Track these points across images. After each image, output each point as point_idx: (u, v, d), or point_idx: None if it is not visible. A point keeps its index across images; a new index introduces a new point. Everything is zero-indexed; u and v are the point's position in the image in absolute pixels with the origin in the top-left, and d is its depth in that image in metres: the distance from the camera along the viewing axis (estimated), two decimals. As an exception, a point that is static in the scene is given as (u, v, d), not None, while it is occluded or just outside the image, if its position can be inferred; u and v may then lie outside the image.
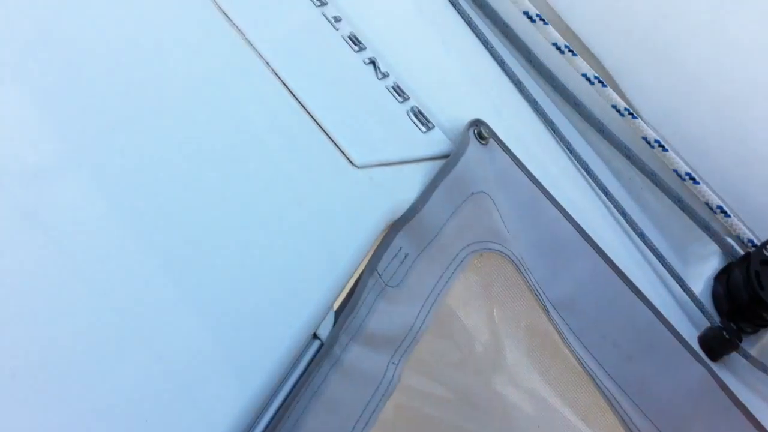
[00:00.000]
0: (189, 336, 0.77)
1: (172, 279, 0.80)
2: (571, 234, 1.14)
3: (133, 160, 0.85)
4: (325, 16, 1.10)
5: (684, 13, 1.38)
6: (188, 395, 0.74)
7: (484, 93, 1.29)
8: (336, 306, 0.88)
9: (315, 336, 0.84)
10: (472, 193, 1.05)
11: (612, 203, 1.31)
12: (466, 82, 1.27)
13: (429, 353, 0.94)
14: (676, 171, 1.34)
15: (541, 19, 1.34)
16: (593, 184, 1.31)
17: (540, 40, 1.38)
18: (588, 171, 1.32)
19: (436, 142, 1.09)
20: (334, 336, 0.84)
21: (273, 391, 0.78)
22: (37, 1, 0.89)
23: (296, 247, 0.88)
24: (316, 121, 0.98)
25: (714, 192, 1.35)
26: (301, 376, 0.81)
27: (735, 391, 1.15)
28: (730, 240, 1.36)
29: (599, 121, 1.37)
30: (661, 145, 1.33)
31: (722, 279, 1.34)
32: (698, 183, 1.34)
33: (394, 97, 1.09)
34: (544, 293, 1.07)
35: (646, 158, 1.36)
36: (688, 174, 1.33)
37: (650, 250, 1.29)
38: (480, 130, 1.12)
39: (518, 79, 1.34)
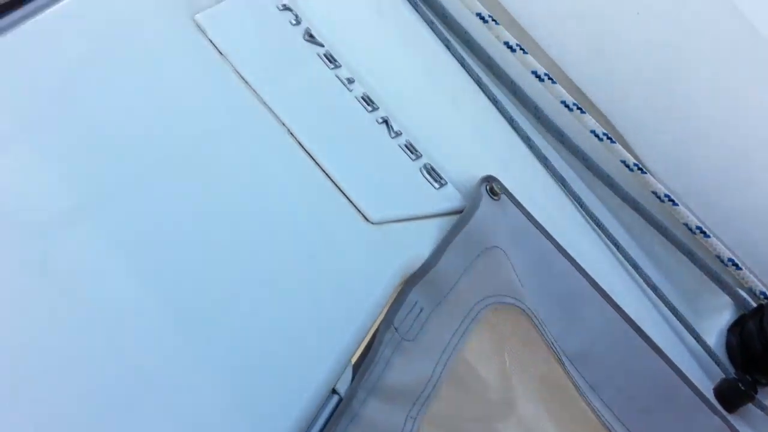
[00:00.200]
0: (207, 392, 0.78)
1: (190, 335, 0.81)
2: (584, 287, 1.15)
3: (153, 217, 0.86)
4: (338, 77, 1.13)
5: (689, 69, 1.40)
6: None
7: (494, 149, 1.31)
8: (354, 360, 0.89)
9: (334, 391, 0.84)
10: (486, 248, 1.06)
11: (624, 257, 1.32)
12: (477, 139, 1.29)
13: (446, 407, 0.94)
14: (686, 225, 1.36)
15: (550, 78, 1.37)
16: (604, 238, 1.33)
17: (548, 97, 1.40)
18: (599, 225, 1.33)
19: (449, 198, 1.11)
20: (352, 391, 0.85)
21: None
22: (56, 61, 0.92)
23: (314, 302, 0.90)
24: (331, 179, 1.00)
25: (725, 245, 1.36)
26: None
27: None
28: (742, 292, 1.37)
29: (609, 176, 1.39)
30: (671, 200, 1.35)
31: (736, 331, 1.34)
32: (709, 236, 1.35)
33: (407, 155, 1.11)
34: (559, 346, 1.08)
35: (656, 212, 1.38)
36: (698, 228, 1.35)
37: (663, 302, 1.30)
38: (492, 186, 1.14)
39: (527, 136, 1.36)
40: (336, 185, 1.00)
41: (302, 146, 1.01)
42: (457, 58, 1.38)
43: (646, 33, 1.42)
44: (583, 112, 1.37)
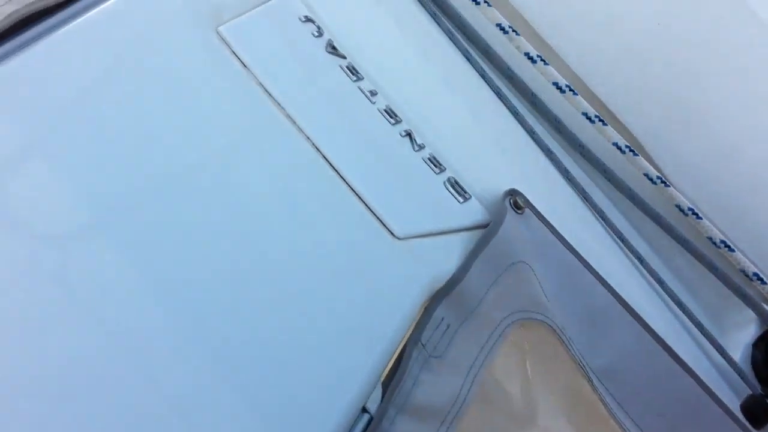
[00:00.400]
0: (240, 413, 0.77)
1: (219, 355, 0.80)
2: (610, 302, 1.13)
3: (177, 233, 0.86)
4: (361, 90, 1.12)
5: (711, 80, 1.39)
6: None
7: (515, 162, 1.29)
8: (383, 377, 0.87)
9: (364, 409, 0.83)
10: (512, 263, 1.05)
11: (647, 271, 1.30)
12: (498, 152, 1.28)
13: (474, 425, 0.93)
14: (710, 238, 1.34)
15: (571, 89, 1.36)
16: (628, 252, 1.31)
17: (569, 109, 1.38)
18: (622, 239, 1.32)
19: (473, 212, 1.09)
20: (382, 410, 0.83)
21: None
22: (80, 73, 0.91)
23: (343, 319, 0.89)
24: (357, 194, 0.99)
25: (749, 259, 1.34)
26: None
27: None
28: (766, 307, 1.35)
29: (631, 190, 1.37)
30: (695, 213, 1.33)
31: (761, 346, 1.32)
32: (733, 250, 1.33)
33: (431, 168, 1.10)
34: (586, 362, 1.06)
35: (679, 226, 1.36)
36: (723, 242, 1.33)
37: (688, 317, 1.28)
38: (516, 200, 1.12)
39: (548, 148, 1.35)
40: (362, 200, 0.99)
41: (327, 160, 1.00)
42: (477, 70, 1.37)
43: (668, 44, 1.41)
44: (605, 124, 1.35)
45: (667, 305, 1.30)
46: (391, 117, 1.12)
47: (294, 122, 1.01)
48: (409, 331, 0.92)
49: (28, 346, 0.72)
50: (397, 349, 0.90)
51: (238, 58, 1.02)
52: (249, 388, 0.78)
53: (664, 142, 1.38)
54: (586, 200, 1.33)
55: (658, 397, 1.11)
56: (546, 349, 1.05)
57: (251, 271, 0.87)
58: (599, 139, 1.38)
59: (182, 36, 1.00)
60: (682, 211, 1.34)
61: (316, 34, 1.13)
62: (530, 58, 1.38)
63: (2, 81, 0.85)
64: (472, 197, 1.11)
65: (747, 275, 1.34)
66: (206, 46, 1.01)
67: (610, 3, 1.43)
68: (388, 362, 0.89)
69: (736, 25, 1.38)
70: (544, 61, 1.38)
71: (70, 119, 0.87)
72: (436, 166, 1.11)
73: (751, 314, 1.37)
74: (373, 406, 0.84)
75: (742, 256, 1.34)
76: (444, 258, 1.01)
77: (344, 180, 1.00)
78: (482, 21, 1.41)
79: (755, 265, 1.34)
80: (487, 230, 1.06)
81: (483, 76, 1.37)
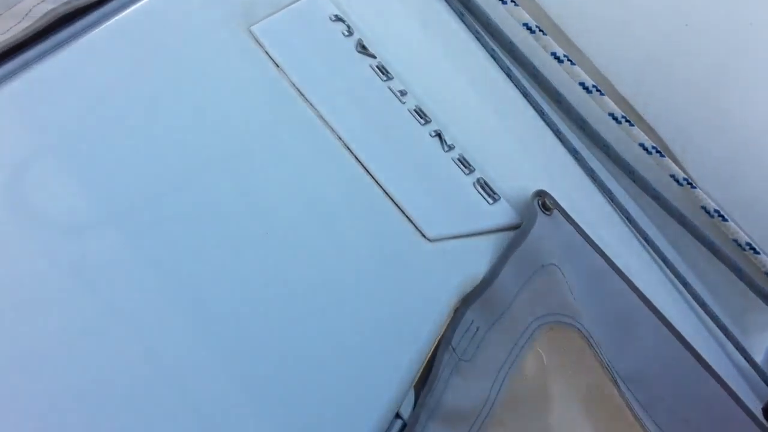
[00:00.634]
0: (274, 420, 0.77)
1: (249, 362, 0.80)
2: (637, 305, 1.13)
3: (207, 234, 0.86)
4: (391, 90, 1.12)
5: (739, 82, 1.38)
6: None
7: (542, 162, 1.29)
8: (414, 381, 0.88)
9: (398, 415, 0.83)
10: (542, 266, 1.05)
11: (673, 273, 1.30)
12: (525, 152, 1.28)
13: (502, 428, 0.93)
14: (736, 240, 1.34)
15: (598, 90, 1.35)
16: (653, 254, 1.31)
17: (595, 109, 1.38)
18: (647, 240, 1.31)
19: (503, 213, 1.09)
20: (415, 417, 0.84)
21: None
22: (112, 73, 0.91)
23: (375, 322, 0.89)
24: (389, 195, 0.99)
25: (775, 263, 1.34)
26: None
27: None
28: (790, 310, 1.35)
29: (656, 191, 1.37)
30: (720, 215, 1.33)
31: (785, 349, 1.32)
32: (759, 253, 1.33)
33: (461, 169, 1.10)
34: (613, 367, 1.06)
35: (704, 228, 1.36)
36: (748, 244, 1.33)
37: (712, 319, 1.28)
38: (545, 201, 1.12)
39: (574, 148, 1.35)
40: (393, 201, 0.99)
41: (359, 161, 1.00)
42: (503, 69, 1.37)
43: (696, 45, 1.40)
44: (631, 124, 1.35)
45: (692, 307, 1.30)
46: (420, 117, 1.11)
47: (327, 123, 1.01)
48: (440, 335, 0.92)
49: (42, 337, 0.72)
50: (428, 352, 0.90)
51: (272, 59, 1.02)
52: (282, 395, 0.78)
53: (690, 144, 1.38)
54: (612, 201, 1.33)
55: (683, 402, 1.11)
56: (574, 353, 1.05)
57: (282, 273, 0.87)
58: (625, 140, 1.37)
59: (216, 35, 1.00)
60: (708, 213, 1.34)
61: (347, 33, 1.13)
62: (557, 58, 1.38)
63: (38, 80, 0.85)
64: (501, 198, 1.10)
65: (772, 278, 1.34)
66: (240, 46, 1.01)
67: (637, 3, 1.43)
68: (420, 366, 0.89)
69: (765, 29, 1.37)
70: (570, 60, 1.37)
71: (101, 119, 0.87)
72: (465, 166, 1.10)
73: (772, 317, 1.37)
74: (406, 412, 0.83)
75: (767, 259, 1.33)
76: (475, 260, 1.01)
77: (376, 181, 1.00)
78: (509, 20, 1.41)
79: (781, 269, 1.34)
80: (518, 232, 1.05)
81: (509, 75, 1.37)
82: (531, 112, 1.35)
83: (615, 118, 1.35)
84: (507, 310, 1.00)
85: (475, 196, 1.08)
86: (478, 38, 1.37)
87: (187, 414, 0.74)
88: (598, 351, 1.05)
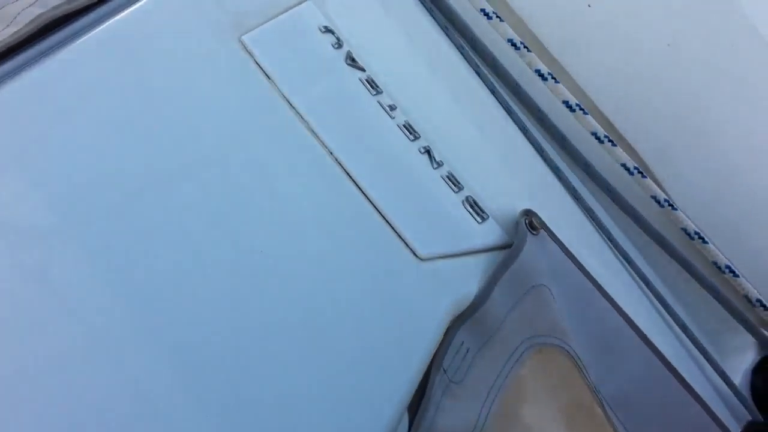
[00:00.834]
0: None
1: (237, 386, 0.77)
2: (622, 327, 1.13)
3: (188, 246, 0.83)
4: (380, 104, 1.10)
5: (721, 104, 1.39)
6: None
7: (526, 181, 1.28)
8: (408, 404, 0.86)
9: None
10: (532, 286, 1.04)
11: (654, 294, 1.30)
12: (509, 170, 1.27)
13: (492, 452, 0.92)
14: (715, 263, 1.34)
15: (581, 108, 1.35)
16: (634, 275, 1.31)
17: (577, 127, 1.37)
18: (629, 261, 1.31)
19: (492, 232, 1.08)
20: None
21: None
22: (99, 81, 0.88)
23: (369, 345, 0.87)
24: (380, 212, 0.97)
25: (753, 285, 1.34)
26: None
27: None
28: (766, 333, 1.36)
29: (636, 211, 1.37)
30: (701, 237, 1.33)
31: (761, 373, 1.33)
32: (738, 276, 1.33)
33: (450, 187, 1.08)
34: (599, 390, 1.06)
35: (684, 249, 1.36)
36: (727, 267, 1.33)
37: (692, 341, 1.28)
38: (531, 220, 1.11)
39: (557, 167, 1.34)
40: (385, 218, 0.97)
41: (350, 176, 0.98)
42: (487, 85, 1.36)
43: (678, 66, 1.41)
44: (614, 144, 1.35)
45: (671, 329, 1.30)
46: (410, 133, 1.10)
47: (317, 136, 0.99)
48: (433, 356, 0.91)
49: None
50: (421, 374, 0.89)
51: (262, 69, 0.99)
52: (275, 423, 0.76)
53: (671, 165, 1.38)
54: (593, 220, 1.32)
55: (666, 425, 1.11)
56: (562, 375, 1.04)
57: (270, 294, 0.85)
58: (607, 160, 1.37)
59: (206, 44, 0.98)
60: (688, 234, 1.34)
61: (336, 45, 1.11)
62: (541, 75, 1.37)
63: (25, 87, 0.82)
64: (490, 217, 1.09)
65: (750, 300, 1.34)
66: (230, 56, 0.98)
67: (621, 22, 1.43)
68: (414, 388, 0.87)
69: (748, 52, 1.38)
70: (554, 78, 1.37)
71: (88, 127, 0.84)
72: (454, 184, 1.09)
73: (749, 338, 1.37)
74: (401, 436, 0.82)
75: (746, 282, 1.34)
76: (466, 279, 1.00)
77: (367, 197, 0.98)
78: (493, 36, 1.40)
79: (758, 291, 1.35)
80: (508, 252, 1.04)
81: (493, 91, 1.36)
82: (514, 128, 1.34)
83: (598, 138, 1.35)
84: (497, 331, 0.99)
85: (465, 214, 1.07)
86: (462, 52, 1.36)
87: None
88: (585, 374, 1.04)
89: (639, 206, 1.36)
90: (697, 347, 1.28)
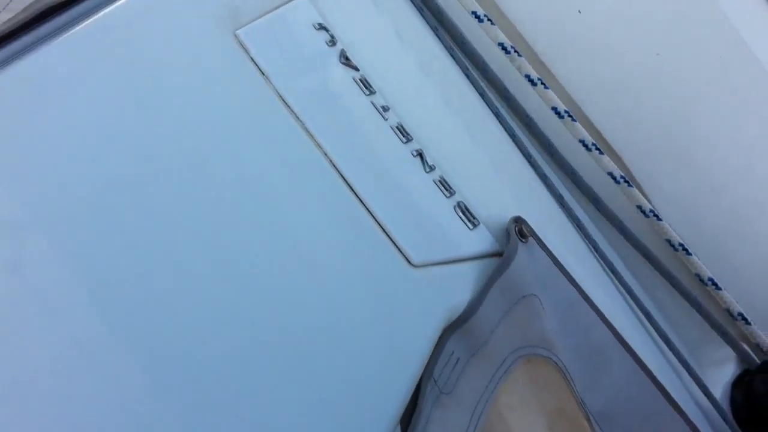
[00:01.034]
0: None
1: (228, 397, 0.75)
2: (608, 339, 1.12)
3: (183, 250, 0.81)
4: (374, 105, 1.07)
5: (708, 115, 1.39)
6: None
7: (514, 187, 1.27)
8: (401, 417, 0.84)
9: None
10: (523, 296, 1.02)
11: (636, 304, 1.29)
12: (498, 176, 1.25)
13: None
14: (698, 275, 1.34)
15: (570, 116, 1.34)
16: (619, 285, 1.30)
17: (565, 135, 1.36)
18: (613, 270, 1.30)
19: (483, 239, 1.06)
20: None
21: None
22: (92, 77, 0.85)
23: (363, 354, 0.85)
24: (374, 217, 0.95)
25: (735, 299, 1.34)
26: None
27: None
28: (746, 347, 1.36)
29: (620, 221, 1.36)
30: (685, 249, 1.33)
31: (741, 387, 1.33)
32: (720, 289, 1.33)
33: (442, 192, 1.06)
34: (585, 403, 1.05)
35: (667, 261, 1.36)
36: (710, 279, 1.33)
37: (674, 354, 1.28)
38: (521, 228, 1.10)
39: (544, 174, 1.33)
40: (378, 223, 0.95)
41: (343, 177, 0.96)
42: (476, 88, 1.34)
43: (665, 77, 1.40)
44: (601, 153, 1.34)
45: (654, 340, 1.30)
46: (403, 135, 1.08)
47: (311, 135, 0.97)
48: (425, 366, 0.89)
49: None
50: (413, 384, 0.87)
51: (256, 65, 0.97)
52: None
53: (657, 176, 1.38)
54: (580, 229, 1.31)
55: None
56: (550, 386, 1.03)
57: (260, 300, 0.82)
58: (593, 168, 1.36)
59: (201, 37, 0.95)
60: (672, 246, 1.34)
61: (330, 43, 1.09)
62: (531, 81, 1.36)
63: (17, 77, 0.78)
64: (481, 223, 1.08)
65: (731, 314, 1.35)
66: (224, 50, 0.96)
67: (611, 31, 1.42)
68: (406, 399, 0.85)
69: (735, 66, 1.38)
70: (544, 84, 1.35)
71: (79, 119, 0.81)
72: (446, 189, 1.07)
73: (729, 352, 1.37)
74: (394, 449, 0.80)
75: (728, 295, 1.34)
76: (458, 287, 0.98)
77: (361, 201, 0.96)
78: (483, 39, 1.38)
79: (740, 305, 1.35)
80: (500, 261, 1.03)
81: (482, 95, 1.34)
82: (502, 133, 1.32)
83: (585, 145, 1.34)
84: (486, 341, 0.97)
85: (456, 220, 1.05)
86: (452, 55, 1.34)
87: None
88: (572, 386, 1.03)
89: (624, 216, 1.36)
90: (678, 359, 1.27)
